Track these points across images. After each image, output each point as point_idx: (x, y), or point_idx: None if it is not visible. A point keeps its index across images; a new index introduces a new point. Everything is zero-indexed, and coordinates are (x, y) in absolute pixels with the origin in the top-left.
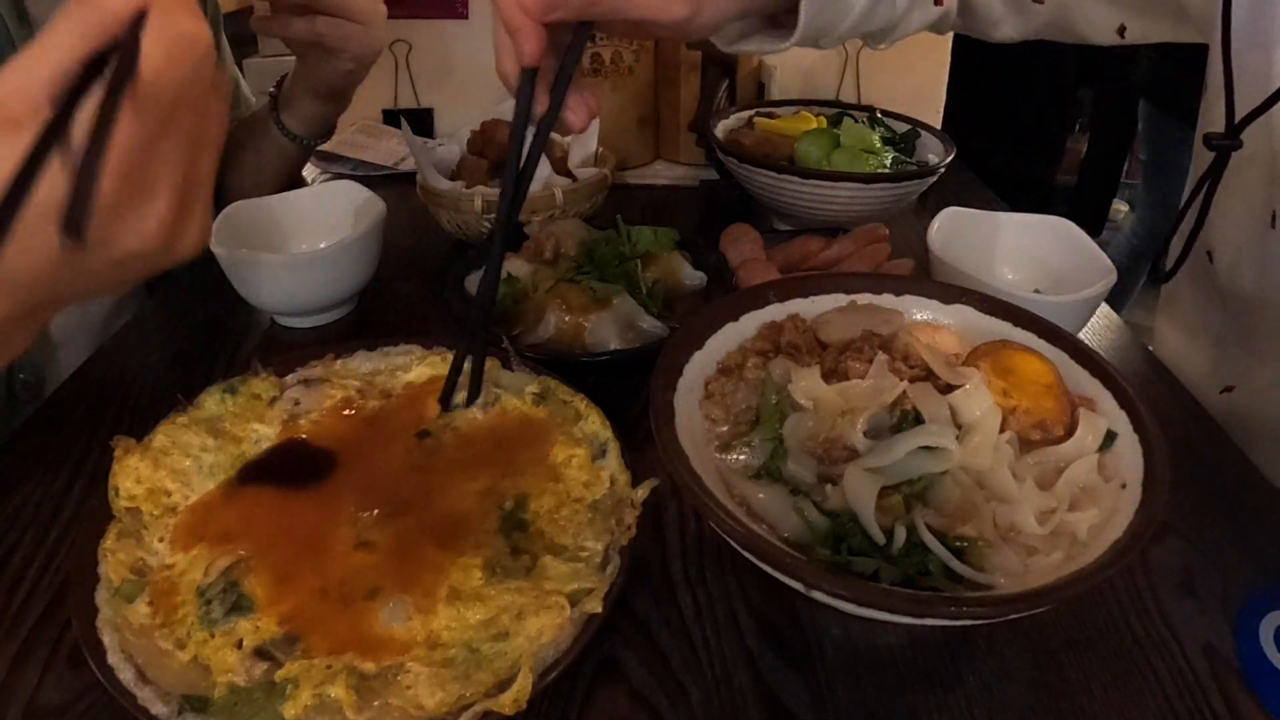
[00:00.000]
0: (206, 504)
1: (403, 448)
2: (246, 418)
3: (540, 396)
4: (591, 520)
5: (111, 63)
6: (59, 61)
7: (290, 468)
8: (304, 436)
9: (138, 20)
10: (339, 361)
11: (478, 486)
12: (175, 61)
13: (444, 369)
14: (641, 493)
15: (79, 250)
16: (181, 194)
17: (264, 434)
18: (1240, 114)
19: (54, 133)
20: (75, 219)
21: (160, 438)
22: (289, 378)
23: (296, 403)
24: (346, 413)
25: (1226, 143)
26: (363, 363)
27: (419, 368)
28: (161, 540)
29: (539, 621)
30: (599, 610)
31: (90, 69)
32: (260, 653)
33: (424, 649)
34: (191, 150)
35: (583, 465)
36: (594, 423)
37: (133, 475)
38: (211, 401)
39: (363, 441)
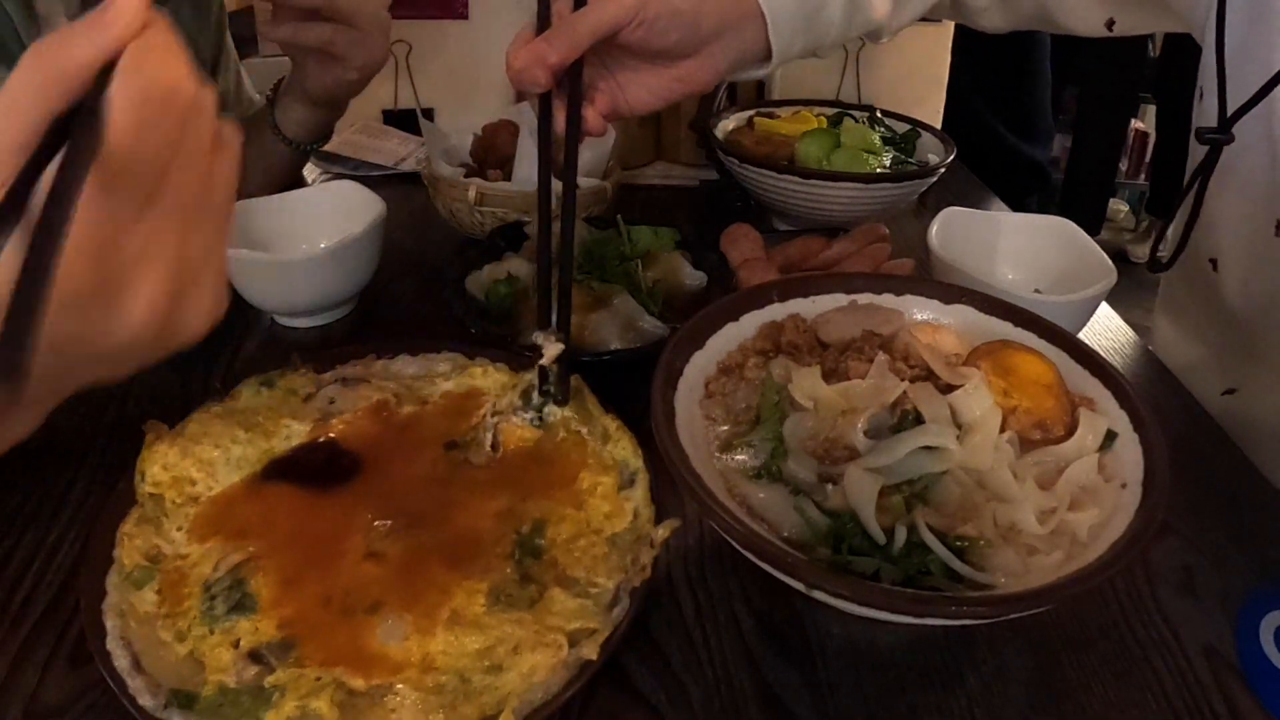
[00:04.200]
0: (228, 497)
1: (429, 458)
2: (280, 412)
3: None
4: (607, 555)
5: (76, 129)
6: (7, 133)
7: (315, 468)
8: (333, 436)
9: (106, 72)
10: (380, 362)
11: (496, 506)
12: (151, 122)
13: (485, 381)
14: (662, 532)
15: (16, 389)
16: (176, 273)
17: (295, 430)
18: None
19: (5, 220)
20: (10, 357)
21: (193, 426)
22: (327, 375)
23: (331, 401)
24: (380, 416)
25: (1217, 136)
26: (405, 366)
27: (459, 377)
28: (180, 529)
29: (534, 659)
30: (594, 658)
31: (52, 137)
32: (254, 655)
33: (416, 671)
34: (187, 222)
35: (607, 494)
36: (624, 448)
37: (160, 461)
38: (247, 393)
39: (390, 448)
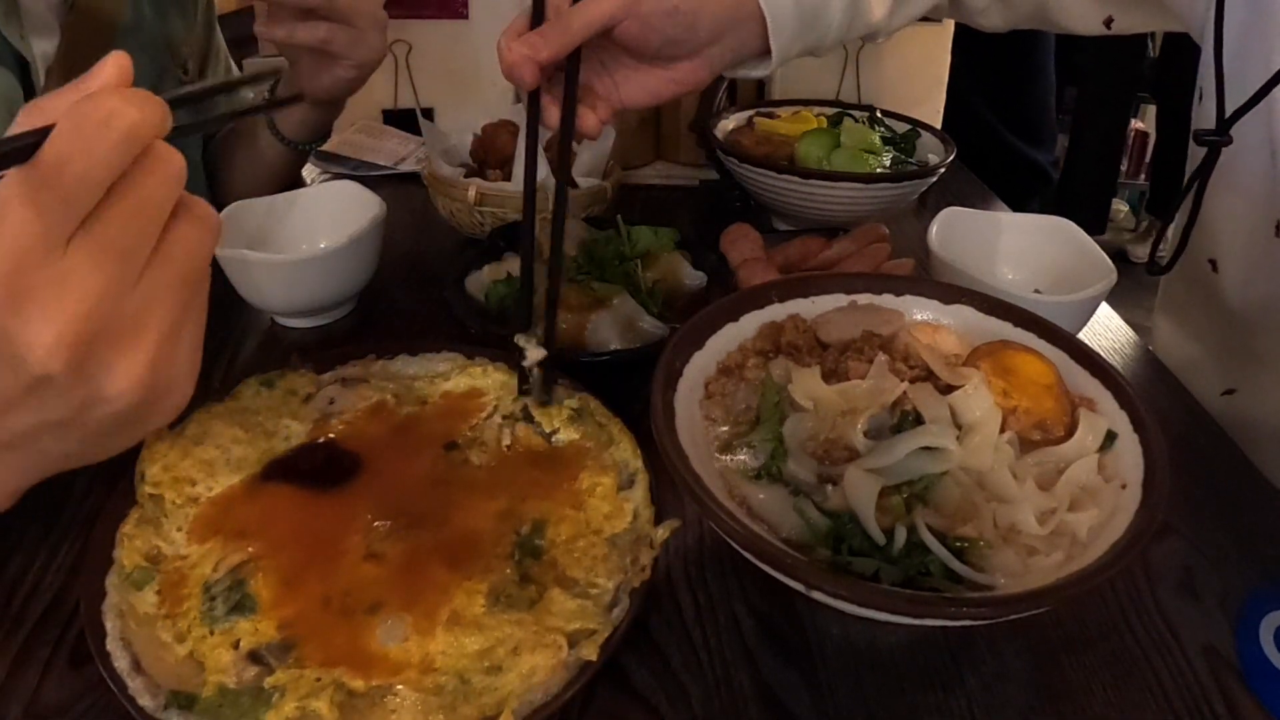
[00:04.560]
0: (228, 497)
1: (428, 459)
2: (280, 412)
3: (577, 414)
4: (607, 555)
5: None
6: None
7: (315, 468)
8: (333, 436)
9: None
10: (380, 362)
11: (496, 506)
12: (84, 138)
13: (485, 380)
14: (662, 533)
15: None
16: (98, 316)
17: (295, 430)
18: (1233, 109)
19: None
20: None
21: (193, 426)
22: (327, 375)
23: (331, 401)
24: (379, 416)
25: (1215, 139)
26: (404, 366)
27: (459, 377)
28: (180, 530)
29: (533, 659)
30: (594, 658)
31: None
32: (254, 656)
33: (416, 672)
34: (126, 268)
35: (606, 495)
36: (625, 450)
37: (160, 462)
38: (247, 393)
39: (390, 448)
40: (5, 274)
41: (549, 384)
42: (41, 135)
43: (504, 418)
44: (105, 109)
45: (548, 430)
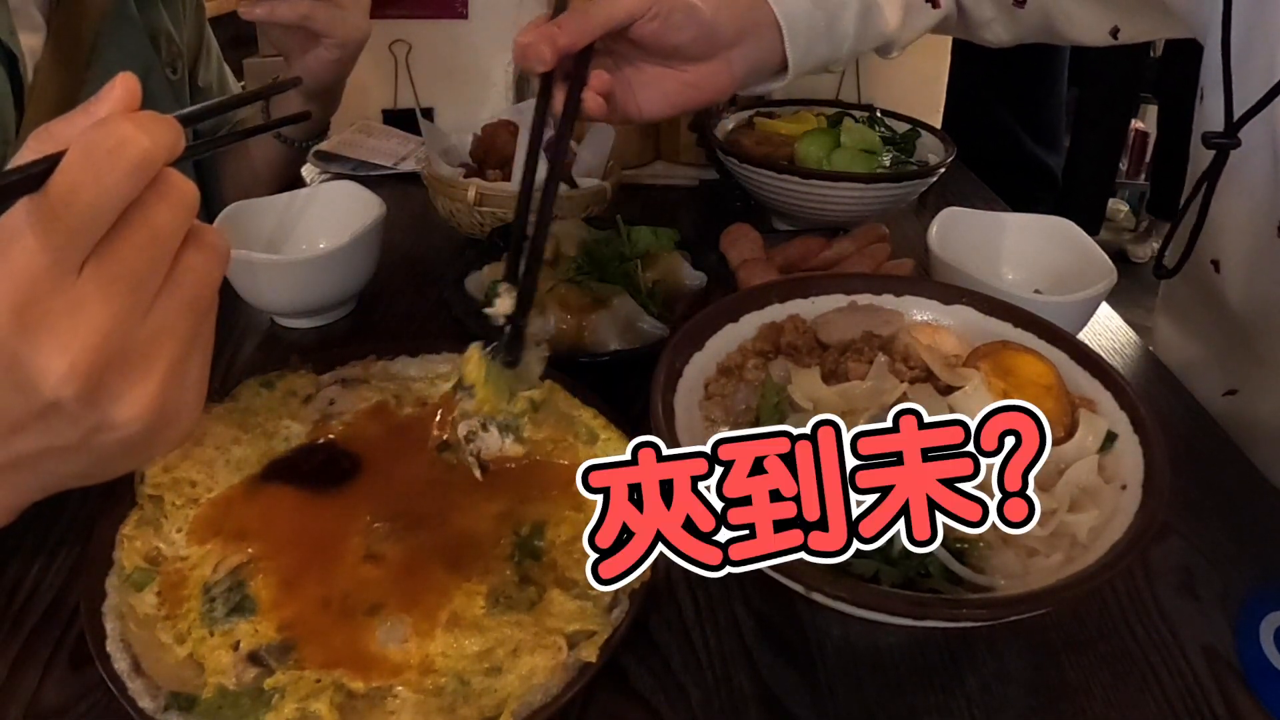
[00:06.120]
0: (228, 498)
1: (427, 459)
2: (280, 413)
3: (535, 407)
4: None
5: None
6: None
7: (314, 469)
8: (333, 437)
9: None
10: (380, 363)
11: (495, 508)
12: (94, 167)
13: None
14: None
15: None
16: (109, 347)
17: (295, 431)
18: (1240, 112)
19: None
20: None
21: None
22: (326, 376)
23: (331, 402)
24: (379, 417)
25: (1225, 141)
26: (404, 367)
27: (454, 375)
28: (180, 531)
29: (533, 661)
30: (593, 660)
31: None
32: (254, 657)
33: (416, 674)
34: (138, 297)
35: None
36: (618, 449)
37: (160, 463)
38: (247, 394)
39: (389, 449)
40: (17, 303)
41: (516, 342)
42: (51, 163)
43: (469, 439)
44: (116, 136)
45: (503, 424)
